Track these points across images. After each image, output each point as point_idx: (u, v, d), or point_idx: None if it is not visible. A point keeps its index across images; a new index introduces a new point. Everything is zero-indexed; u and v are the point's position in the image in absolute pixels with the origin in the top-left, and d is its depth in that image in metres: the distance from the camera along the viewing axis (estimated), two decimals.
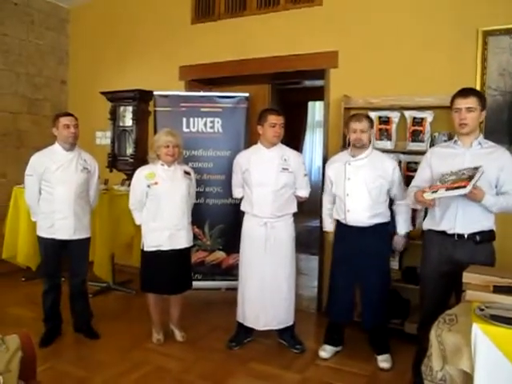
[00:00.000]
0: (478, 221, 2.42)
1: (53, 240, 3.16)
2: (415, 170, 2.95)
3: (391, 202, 3.06)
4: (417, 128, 3.44)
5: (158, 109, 4.35)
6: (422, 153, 2.95)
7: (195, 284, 3.55)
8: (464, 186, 2.21)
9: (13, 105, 5.10)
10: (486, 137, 2.59)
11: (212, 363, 3.06)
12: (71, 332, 3.39)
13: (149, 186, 3.11)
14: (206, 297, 4.28)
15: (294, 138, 7.80)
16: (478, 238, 2.43)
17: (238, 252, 3.38)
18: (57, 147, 3.22)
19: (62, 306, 3.35)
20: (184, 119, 4.30)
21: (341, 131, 3.62)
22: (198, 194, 3.93)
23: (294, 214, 3.29)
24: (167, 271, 3.17)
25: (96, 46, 5.41)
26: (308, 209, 5.10)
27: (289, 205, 3.21)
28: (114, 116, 4.89)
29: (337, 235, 3.14)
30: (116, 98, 4.85)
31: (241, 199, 3.33)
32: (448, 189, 2.28)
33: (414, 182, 2.69)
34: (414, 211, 3.27)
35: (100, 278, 4.30)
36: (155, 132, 3.97)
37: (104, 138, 5.25)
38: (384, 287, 3.03)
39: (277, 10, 4.20)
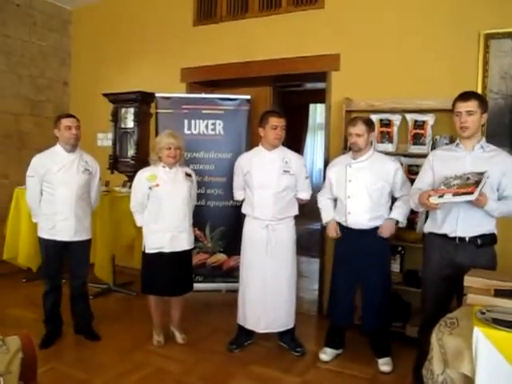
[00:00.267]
0: (479, 224, 2.42)
1: (54, 241, 3.17)
2: (416, 173, 2.95)
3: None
4: (418, 131, 3.44)
5: (159, 111, 4.35)
6: (424, 156, 2.95)
7: (196, 286, 3.55)
8: (471, 192, 2.21)
9: (15, 106, 5.12)
10: (488, 140, 2.59)
11: (212, 365, 3.05)
12: (72, 333, 3.39)
13: (150, 188, 3.11)
14: (206, 299, 4.28)
15: (295, 141, 7.81)
16: (479, 241, 2.42)
17: (238, 254, 3.38)
18: (58, 148, 3.22)
19: (62, 308, 3.35)
20: (185, 121, 4.30)
21: (342, 134, 3.62)
22: (199, 196, 3.93)
23: (295, 217, 3.29)
24: (168, 273, 3.16)
25: (98, 48, 5.42)
26: (309, 211, 5.10)
27: (290, 207, 3.21)
28: (116, 118, 4.89)
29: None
30: (118, 100, 4.85)
31: (242, 201, 3.33)
32: (455, 194, 2.27)
33: (415, 185, 2.69)
34: (415, 213, 3.27)
35: (101, 279, 4.30)
36: (157, 134, 3.97)
37: (105, 140, 5.26)
38: (384, 289, 3.03)
39: (279, 13, 4.20)
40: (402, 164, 3.42)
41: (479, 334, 1.57)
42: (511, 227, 2.79)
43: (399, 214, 2.96)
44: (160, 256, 3.14)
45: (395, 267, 3.45)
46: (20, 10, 5.08)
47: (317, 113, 9.06)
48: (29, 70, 5.24)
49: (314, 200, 3.29)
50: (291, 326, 3.26)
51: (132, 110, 4.81)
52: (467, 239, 2.43)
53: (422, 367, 1.87)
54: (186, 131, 4.28)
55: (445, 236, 2.49)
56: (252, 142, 4.03)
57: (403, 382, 2.83)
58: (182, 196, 3.16)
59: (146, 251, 3.19)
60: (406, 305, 3.46)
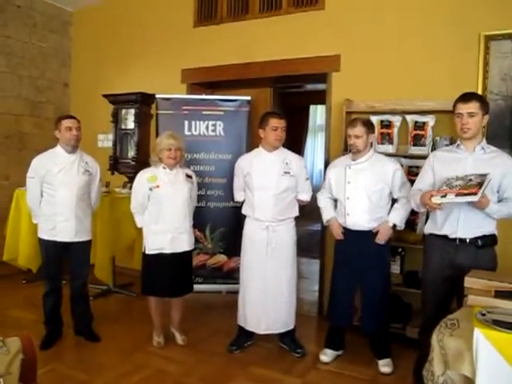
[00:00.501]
0: (480, 225, 2.42)
1: (54, 242, 3.16)
2: (417, 174, 2.94)
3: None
4: (418, 132, 3.44)
5: (160, 112, 4.35)
6: (424, 157, 2.95)
7: (196, 287, 3.54)
8: (474, 193, 2.21)
9: (15, 107, 5.12)
10: (488, 141, 2.58)
11: (212, 367, 3.05)
12: (72, 335, 3.38)
13: (151, 189, 3.11)
14: (206, 300, 4.28)
15: (295, 142, 7.81)
16: (479, 242, 2.42)
17: (239, 255, 3.38)
18: (59, 149, 3.22)
19: (62, 309, 3.34)
20: (186, 122, 4.31)
21: (342, 135, 3.62)
22: (200, 197, 3.94)
23: (296, 218, 3.29)
24: (168, 274, 3.16)
25: (98, 49, 5.43)
26: (309, 213, 5.11)
27: (290, 209, 3.21)
28: (116, 119, 4.89)
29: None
30: (118, 101, 4.85)
31: (242, 203, 3.33)
32: (457, 195, 2.27)
33: (416, 185, 2.69)
34: (415, 214, 3.27)
35: (101, 280, 4.29)
36: (157, 135, 3.98)
37: (106, 141, 5.26)
38: (384, 290, 3.02)
39: (279, 14, 4.21)
40: (402, 165, 3.41)
41: (480, 335, 1.57)
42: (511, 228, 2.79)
43: (397, 217, 2.94)
44: (160, 257, 3.14)
45: (395, 268, 3.45)
46: (20, 11, 5.09)
47: (317, 114, 9.07)
48: (29, 71, 5.24)
49: (314, 201, 3.29)
50: (291, 327, 3.26)
51: (132, 111, 4.82)
52: (468, 240, 2.43)
53: (423, 368, 1.87)
54: (187, 132, 4.29)
55: (445, 237, 2.49)
56: (252, 143, 4.04)
57: (403, 383, 2.83)
58: (183, 197, 3.16)
59: (147, 252, 3.19)
60: (406, 306, 3.46)
